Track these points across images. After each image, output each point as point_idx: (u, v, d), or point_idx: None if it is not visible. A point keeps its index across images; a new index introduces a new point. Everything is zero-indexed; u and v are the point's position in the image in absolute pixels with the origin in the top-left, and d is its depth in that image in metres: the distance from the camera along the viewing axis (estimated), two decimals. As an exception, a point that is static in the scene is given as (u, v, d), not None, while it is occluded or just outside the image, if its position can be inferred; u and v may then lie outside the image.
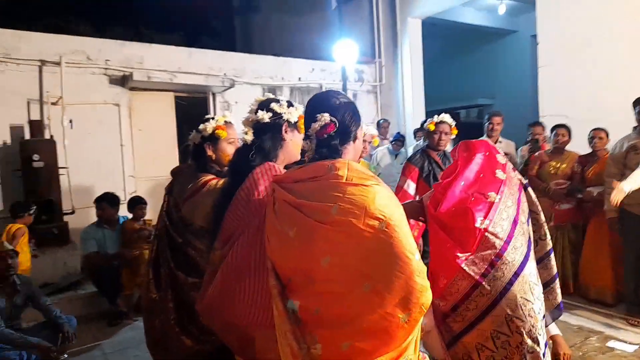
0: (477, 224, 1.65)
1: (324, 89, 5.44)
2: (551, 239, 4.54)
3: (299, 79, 7.45)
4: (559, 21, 5.42)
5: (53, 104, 5.42)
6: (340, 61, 6.92)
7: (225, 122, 2.23)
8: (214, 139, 2.20)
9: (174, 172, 2.46)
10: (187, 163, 2.37)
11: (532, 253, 1.74)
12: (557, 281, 1.99)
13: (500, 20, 10.19)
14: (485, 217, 1.68)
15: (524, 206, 1.82)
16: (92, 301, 4.41)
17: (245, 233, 1.58)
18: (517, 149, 5.27)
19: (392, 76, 8.22)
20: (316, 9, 9.40)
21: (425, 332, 1.93)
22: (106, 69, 5.83)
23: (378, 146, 6.21)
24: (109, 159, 5.82)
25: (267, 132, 1.76)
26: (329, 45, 7.21)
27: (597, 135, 4.23)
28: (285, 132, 1.79)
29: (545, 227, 1.98)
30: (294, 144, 1.82)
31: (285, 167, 1.76)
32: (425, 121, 4.02)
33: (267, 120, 1.76)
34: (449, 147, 4.06)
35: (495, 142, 4.87)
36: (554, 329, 2.55)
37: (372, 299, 1.22)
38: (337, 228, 1.26)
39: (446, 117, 3.82)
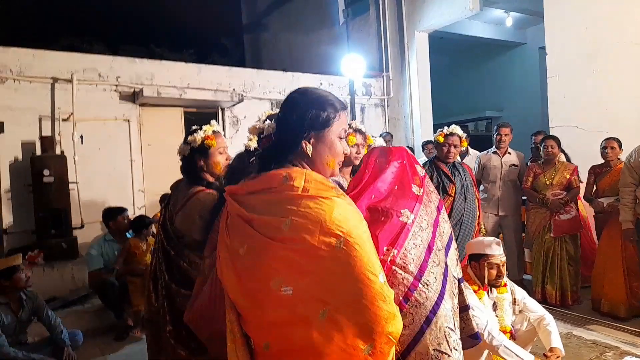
0: (382, 255, 1.32)
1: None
2: (549, 249, 4.32)
3: (307, 93, 7.48)
4: (567, 32, 5.41)
5: (64, 120, 5.51)
6: (348, 75, 6.94)
7: (214, 131, 2.21)
8: (203, 149, 2.19)
9: (172, 187, 2.47)
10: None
11: (448, 289, 1.40)
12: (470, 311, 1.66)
13: (507, 32, 10.18)
14: (393, 244, 1.36)
15: (443, 228, 1.52)
16: (99, 315, 4.40)
17: None
18: (526, 161, 5.22)
19: (400, 89, 8.23)
20: (324, 25, 9.50)
21: None
22: (117, 85, 5.93)
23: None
24: (119, 173, 5.88)
25: None
26: (337, 59, 7.26)
27: (609, 145, 4.16)
28: None
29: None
30: None
31: None
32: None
33: None
34: (459, 159, 4.03)
35: (504, 154, 4.83)
36: (556, 342, 2.63)
37: (330, 328, 1.07)
38: (289, 245, 1.12)
39: (456, 129, 3.79)
